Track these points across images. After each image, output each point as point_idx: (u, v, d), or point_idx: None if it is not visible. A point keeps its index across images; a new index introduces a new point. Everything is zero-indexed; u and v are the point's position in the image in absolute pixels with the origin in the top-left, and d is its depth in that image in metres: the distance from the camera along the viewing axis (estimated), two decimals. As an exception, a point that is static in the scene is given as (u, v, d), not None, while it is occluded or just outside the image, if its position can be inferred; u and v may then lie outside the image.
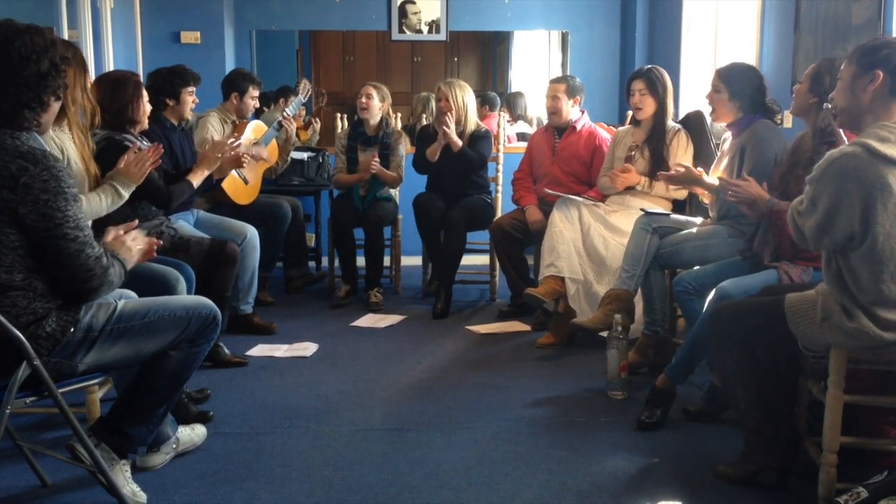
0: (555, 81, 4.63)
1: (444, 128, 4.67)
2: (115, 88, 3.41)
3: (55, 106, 2.28)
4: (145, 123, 3.52)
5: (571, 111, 4.59)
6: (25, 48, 2.14)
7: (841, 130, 2.63)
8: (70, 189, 2.15)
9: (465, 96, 4.79)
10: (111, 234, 2.45)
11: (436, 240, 4.89)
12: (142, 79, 3.74)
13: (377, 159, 4.90)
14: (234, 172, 4.26)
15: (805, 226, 2.30)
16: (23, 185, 2.08)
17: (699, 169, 3.47)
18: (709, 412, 3.13)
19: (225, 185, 4.38)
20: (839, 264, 2.30)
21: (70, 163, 2.80)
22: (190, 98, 4.05)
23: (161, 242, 2.75)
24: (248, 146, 4.35)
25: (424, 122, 6.41)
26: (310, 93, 5.21)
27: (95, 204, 2.83)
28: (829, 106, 2.47)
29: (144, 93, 3.49)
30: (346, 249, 4.96)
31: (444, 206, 4.84)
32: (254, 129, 4.74)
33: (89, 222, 2.59)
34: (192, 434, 2.85)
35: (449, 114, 4.71)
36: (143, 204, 3.52)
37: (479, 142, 4.81)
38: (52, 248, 2.15)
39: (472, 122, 4.85)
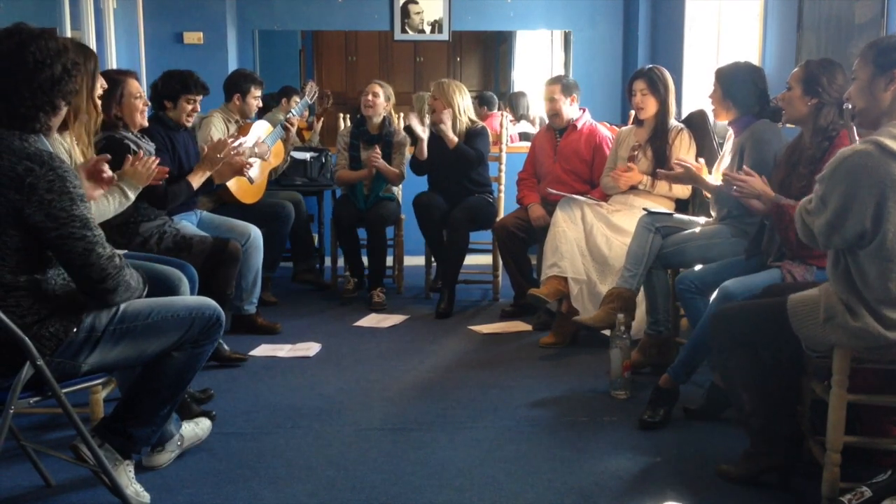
0: (548, 83, 4.63)
1: (441, 125, 4.68)
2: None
3: (65, 110, 2.29)
4: (138, 122, 3.50)
5: (570, 110, 4.59)
6: (40, 52, 2.15)
7: (855, 129, 2.61)
8: (76, 189, 2.15)
9: (454, 95, 4.79)
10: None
11: (439, 237, 4.88)
12: (142, 79, 3.73)
13: (378, 152, 4.91)
14: None
15: (814, 224, 2.29)
16: (28, 186, 2.09)
17: (700, 162, 3.45)
18: (709, 411, 3.13)
19: (230, 183, 4.36)
20: (847, 263, 2.29)
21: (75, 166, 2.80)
22: (189, 106, 3.93)
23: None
24: (251, 150, 4.34)
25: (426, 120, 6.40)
26: (316, 95, 5.21)
27: (103, 206, 2.82)
28: (849, 106, 2.42)
29: (133, 91, 3.46)
30: (350, 247, 4.97)
31: (445, 204, 4.84)
32: (260, 129, 4.73)
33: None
34: (196, 429, 2.84)
35: (440, 111, 4.70)
36: (145, 204, 3.52)
37: (476, 138, 4.81)
38: (61, 249, 2.15)
39: (465, 119, 4.84)
